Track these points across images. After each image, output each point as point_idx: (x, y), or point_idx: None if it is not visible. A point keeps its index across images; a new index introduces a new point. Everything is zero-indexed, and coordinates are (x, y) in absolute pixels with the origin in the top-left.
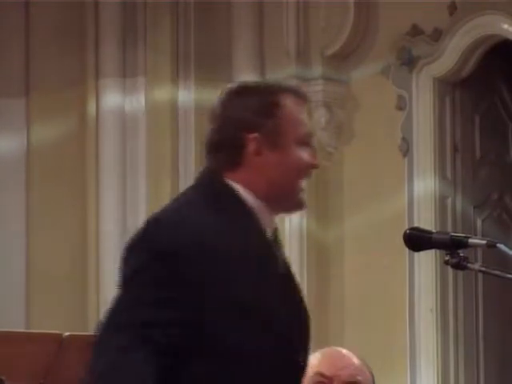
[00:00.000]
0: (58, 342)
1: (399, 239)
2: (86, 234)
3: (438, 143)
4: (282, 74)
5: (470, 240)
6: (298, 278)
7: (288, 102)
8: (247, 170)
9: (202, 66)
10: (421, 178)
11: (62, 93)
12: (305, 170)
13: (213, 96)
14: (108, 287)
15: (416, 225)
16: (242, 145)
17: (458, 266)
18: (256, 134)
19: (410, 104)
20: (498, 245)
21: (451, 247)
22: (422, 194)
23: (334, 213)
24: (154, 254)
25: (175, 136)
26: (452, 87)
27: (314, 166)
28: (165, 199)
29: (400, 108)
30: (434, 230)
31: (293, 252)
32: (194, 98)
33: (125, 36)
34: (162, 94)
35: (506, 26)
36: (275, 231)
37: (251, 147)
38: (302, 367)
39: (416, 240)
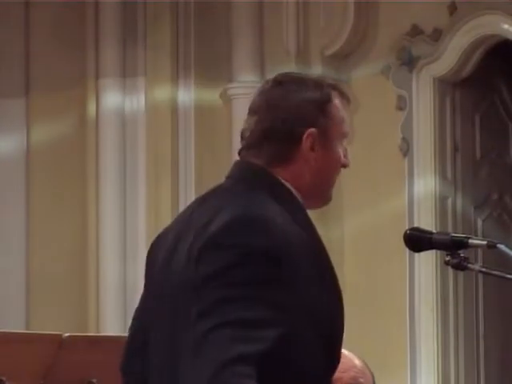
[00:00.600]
0: (58, 343)
1: (399, 239)
2: (85, 234)
3: (437, 143)
4: None
5: (471, 240)
6: None
7: (337, 100)
8: (297, 167)
9: (202, 66)
10: (421, 178)
11: (62, 93)
12: (339, 168)
13: (213, 96)
14: (108, 287)
15: (416, 225)
16: (299, 139)
17: (459, 266)
18: (313, 129)
19: (410, 104)
20: (499, 245)
21: (451, 248)
22: (422, 194)
23: (334, 213)
24: (254, 253)
25: (175, 136)
26: (452, 87)
27: (345, 166)
28: (164, 199)
29: (400, 108)
30: (434, 231)
31: None
32: (193, 97)
33: (125, 36)
34: (162, 93)
35: (506, 26)
36: None
37: (307, 142)
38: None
39: (416, 240)
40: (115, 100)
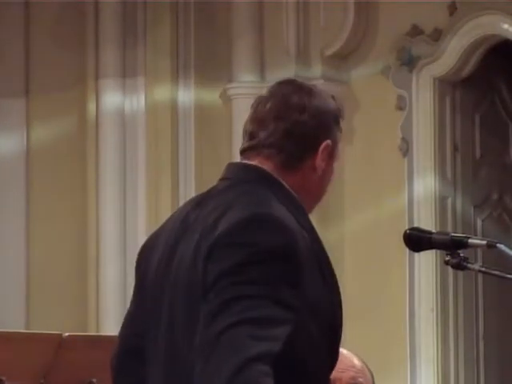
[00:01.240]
0: (58, 342)
1: (399, 239)
2: (85, 234)
3: (437, 143)
4: (281, 73)
5: (470, 240)
6: None
7: (341, 117)
8: (304, 174)
9: (202, 66)
10: (421, 177)
11: (62, 93)
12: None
13: (213, 96)
14: (108, 287)
15: (416, 225)
16: (316, 148)
17: (458, 266)
18: (329, 141)
19: (410, 104)
20: (498, 245)
21: (451, 247)
22: (422, 194)
23: (334, 213)
24: (266, 251)
25: (175, 136)
26: (452, 87)
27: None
28: (164, 199)
29: (400, 108)
30: (434, 230)
31: None
32: (193, 98)
33: (125, 36)
34: (162, 93)
35: (506, 26)
36: None
37: (323, 154)
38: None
39: (416, 240)
40: (115, 100)
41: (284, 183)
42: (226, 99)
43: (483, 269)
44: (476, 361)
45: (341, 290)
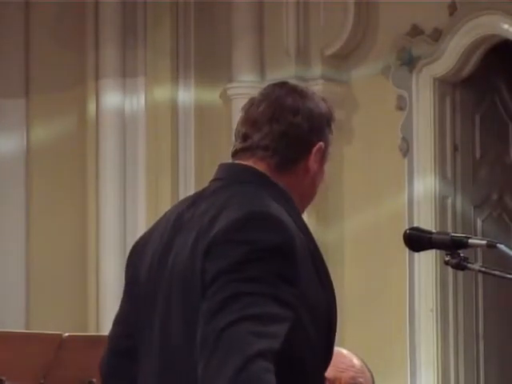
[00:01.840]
0: (58, 343)
1: (399, 239)
2: (85, 233)
3: (438, 143)
4: (281, 73)
5: (470, 240)
6: None
7: (332, 121)
8: (296, 177)
9: (202, 66)
10: (421, 177)
11: (62, 93)
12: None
13: (213, 96)
14: (108, 287)
15: (416, 225)
16: (310, 150)
17: (458, 266)
18: (322, 143)
19: (410, 104)
20: (498, 245)
21: (451, 247)
22: (422, 194)
23: (334, 213)
24: (265, 248)
25: (175, 136)
26: (452, 87)
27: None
28: (164, 199)
29: (400, 108)
30: (434, 230)
31: None
32: (193, 98)
33: (125, 36)
34: (162, 93)
35: (506, 26)
36: None
37: (316, 156)
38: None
39: (416, 240)
40: (115, 100)
41: (279, 184)
42: (226, 99)
43: (483, 269)
44: (476, 361)
45: (341, 289)
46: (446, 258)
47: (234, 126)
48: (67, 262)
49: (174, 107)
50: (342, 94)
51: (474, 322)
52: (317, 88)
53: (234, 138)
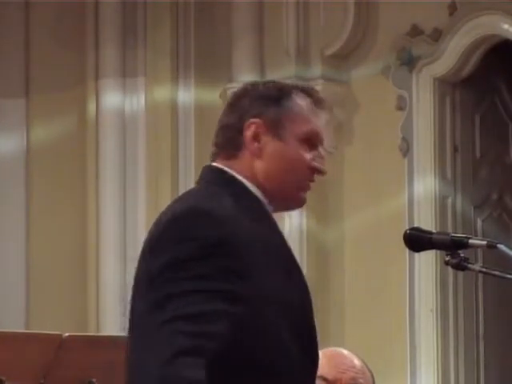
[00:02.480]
0: (58, 343)
1: (399, 239)
2: (85, 233)
3: (438, 143)
4: (281, 73)
5: (471, 240)
6: None
7: (300, 99)
8: (245, 160)
9: (202, 66)
10: (421, 177)
11: (62, 93)
12: (303, 169)
13: (213, 96)
14: (108, 287)
15: (416, 225)
16: (240, 130)
17: (459, 266)
18: (256, 119)
19: (410, 104)
20: (499, 245)
21: (451, 248)
22: (422, 194)
23: (334, 213)
24: (204, 245)
25: (175, 136)
26: (452, 87)
27: (317, 170)
28: (164, 199)
29: (400, 108)
30: (434, 231)
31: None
32: (193, 97)
33: (125, 36)
34: (162, 93)
35: (506, 26)
36: None
37: (248, 131)
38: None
39: (416, 240)
40: (115, 100)
41: (235, 174)
42: (226, 99)
43: (483, 269)
44: (476, 361)
45: (341, 289)
46: (446, 259)
47: None
48: (67, 262)
49: (173, 107)
50: (342, 94)
51: (474, 322)
52: (317, 88)
53: None
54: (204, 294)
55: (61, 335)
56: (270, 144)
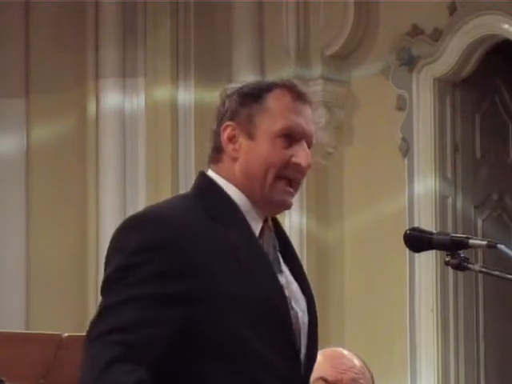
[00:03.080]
0: (58, 343)
1: (399, 239)
2: (86, 233)
3: (438, 143)
4: (281, 73)
5: (471, 241)
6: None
7: (275, 96)
8: (226, 163)
9: (202, 66)
10: (421, 177)
11: (62, 93)
12: (277, 165)
13: (213, 96)
14: None
15: (416, 225)
16: (219, 133)
17: (459, 266)
18: (230, 122)
19: (410, 104)
20: (499, 245)
21: (451, 248)
22: (422, 194)
23: (334, 213)
24: (141, 248)
25: (175, 136)
26: (452, 87)
27: (295, 165)
28: (164, 199)
29: (400, 108)
30: (434, 231)
31: None
32: (193, 97)
33: (125, 36)
34: (162, 94)
35: (506, 26)
36: (274, 226)
37: (224, 134)
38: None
39: (416, 240)
40: (115, 100)
41: (213, 178)
42: None
43: (483, 269)
44: (476, 361)
45: (341, 289)
46: (447, 259)
47: None
48: (67, 261)
49: (173, 107)
50: (342, 94)
51: (474, 322)
52: (317, 88)
53: None
54: (139, 301)
55: (61, 335)
56: (243, 144)
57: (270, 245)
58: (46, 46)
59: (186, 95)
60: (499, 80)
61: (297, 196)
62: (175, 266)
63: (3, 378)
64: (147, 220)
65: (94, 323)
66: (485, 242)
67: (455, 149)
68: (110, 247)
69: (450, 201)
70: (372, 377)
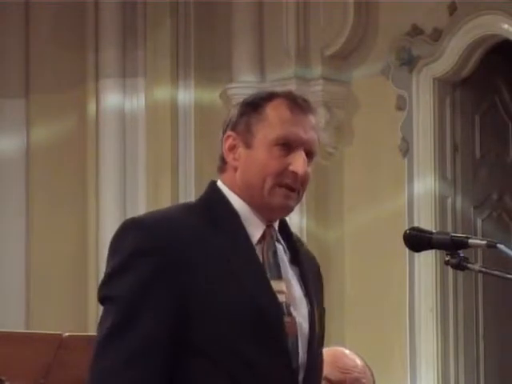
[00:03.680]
0: (58, 342)
1: (399, 239)
2: (85, 233)
3: (438, 143)
4: (282, 73)
5: (470, 240)
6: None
7: (272, 105)
8: (229, 173)
9: (202, 66)
10: (421, 177)
11: (62, 93)
12: (273, 173)
13: (213, 96)
14: None
15: (416, 225)
16: (222, 144)
17: (458, 266)
18: (231, 132)
19: (410, 104)
20: (498, 245)
21: (451, 247)
22: (422, 194)
23: (334, 213)
24: (136, 253)
25: (175, 136)
26: (452, 87)
27: (292, 173)
28: (164, 199)
29: (400, 108)
30: (434, 230)
31: None
32: (193, 98)
33: (125, 36)
34: (162, 94)
35: (506, 26)
36: (282, 234)
37: (225, 145)
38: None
39: (416, 240)
40: (115, 100)
41: (219, 186)
42: (226, 99)
43: (483, 269)
44: (476, 361)
45: (341, 289)
46: (446, 258)
47: None
48: (67, 261)
49: (173, 107)
50: (342, 94)
51: (474, 322)
52: (317, 88)
53: None
54: (134, 301)
55: (61, 335)
56: (242, 154)
57: (270, 250)
58: (46, 45)
59: (186, 95)
60: (499, 80)
61: None
62: (170, 268)
63: (3, 378)
64: (145, 222)
65: (98, 326)
66: (484, 242)
67: (455, 149)
68: (109, 248)
69: (449, 201)
70: (373, 375)
